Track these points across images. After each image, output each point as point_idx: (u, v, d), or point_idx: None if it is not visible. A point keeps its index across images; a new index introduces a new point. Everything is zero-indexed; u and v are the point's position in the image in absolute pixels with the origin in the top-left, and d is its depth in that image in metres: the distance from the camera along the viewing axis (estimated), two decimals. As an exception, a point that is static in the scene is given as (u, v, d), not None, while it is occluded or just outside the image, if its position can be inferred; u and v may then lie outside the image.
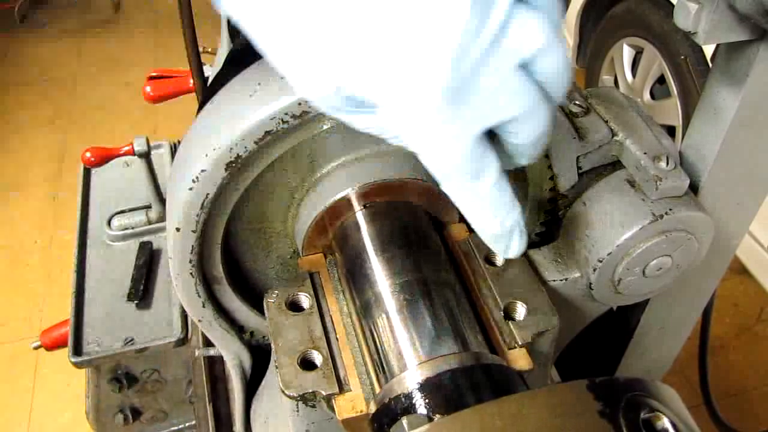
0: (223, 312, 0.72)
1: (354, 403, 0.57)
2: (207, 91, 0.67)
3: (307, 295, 0.66)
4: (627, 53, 2.73)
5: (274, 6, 0.42)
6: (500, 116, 0.48)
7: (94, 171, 1.45)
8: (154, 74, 1.45)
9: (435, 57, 0.43)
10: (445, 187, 0.51)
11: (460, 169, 0.51)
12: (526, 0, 0.44)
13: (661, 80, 2.48)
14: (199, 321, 0.70)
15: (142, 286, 1.23)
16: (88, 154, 1.27)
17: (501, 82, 0.46)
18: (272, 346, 0.62)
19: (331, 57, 0.44)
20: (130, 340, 1.16)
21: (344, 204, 0.66)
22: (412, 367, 0.55)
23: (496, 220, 0.52)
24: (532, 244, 0.73)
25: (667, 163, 0.64)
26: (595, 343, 0.90)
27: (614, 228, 0.64)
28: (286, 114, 0.56)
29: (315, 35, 0.43)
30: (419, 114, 0.46)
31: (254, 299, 0.72)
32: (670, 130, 2.42)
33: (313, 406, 0.61)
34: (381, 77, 0.44)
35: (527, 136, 0.51)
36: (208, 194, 0.60)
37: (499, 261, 0.68)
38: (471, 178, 0.50)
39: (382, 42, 0.42)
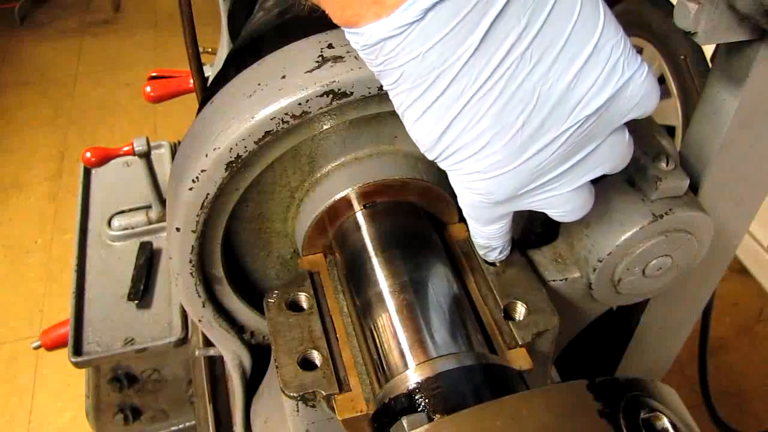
0: (223, 312, 0.72)
1: (354, 403, 0.57)
2: (207, 91, 0.67)
3: (307, 295, 0.66)
4: (627, 53, 2.71)
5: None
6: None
7: (94, 171, 1.45)
8: (154, 74, 1.45)
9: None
10: (463, 211, 0.58)
11: (481, 215, 0.58)
12: None
13: (661, 80, 2.48)
14: (199, 321, 0.70)
15: (142, 286, 1.23)
16: (88, 154, 1.27)
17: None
18: (272, 346, 0.62)
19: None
20: (130, 340, 1.16)
21: (344, 204, 0.66)
22: (412, 367, 0.55)
23: (485, 240, 0.63)
24: (532, 244, 0.73)
25: (667, 163, 0.64)
26: (595, 343, 0.90)
27: (614, 228, 0.64)
28: (286, 114, 0.56)
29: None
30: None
31: (254, 299, 0.72)
32: (670, 130, 2.42)
33: (313, 406, 0.61)
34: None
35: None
36: (208, 194, 0.60)
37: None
38: (487, 225, 0.59)
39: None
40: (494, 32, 0.42)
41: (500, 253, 0.64)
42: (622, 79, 0.46)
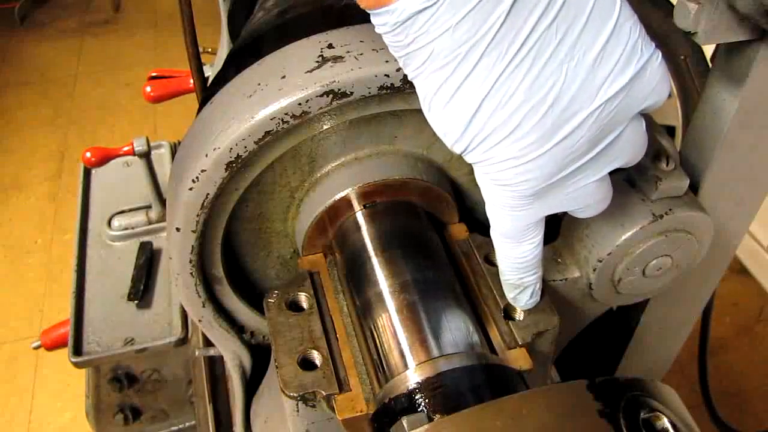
0: (223, 312, 0.72)
1: (354, 403, 0.57)
2: (207, 91, 0.67)
3: (307, 295, 0.66)
4: (627, 53, 2.71)
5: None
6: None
7: (94, 171, 1.45)
8: (154, 74, 1.45)
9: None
10: (492, 229, 0.57)
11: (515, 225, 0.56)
12: None
13: (661, 80, 2.48)
14: (199, 321, 0.70)
15: (142, 286, 1.23)
16: (88, 154, 1.27)
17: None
18: (272, 346, 0.62)
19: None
20: (130, 340, 1.16)
21: (344, 204, 0.66)
22: (412, 367, 0.55)
23: (517, 275, 0.60)
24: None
25: (667, 163, 0.64)
26: (595, 343, 0.90)
27: (614, 228, 0.64)
28: (286, 114, 0.56)
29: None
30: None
31: (254, 299, 0.72)
32: (670, 130, 2.42)
33: (313, 406, 0.61)
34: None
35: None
36: (208, 194, 0.60)
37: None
38: (517, 240, 0.57)
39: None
40: (521, 3, 0.43)
41: (531, 296, 0.61)
42: (642, 59, 0.47)
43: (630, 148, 0.53)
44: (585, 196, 0.54)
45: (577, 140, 0.48)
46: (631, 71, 0.47)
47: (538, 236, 0.57)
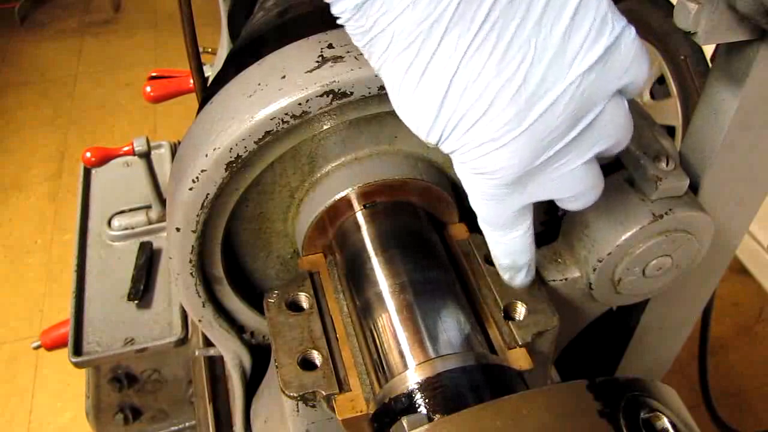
0: (223, 312, 0.72)
1: (354, 403, 0.57)
2: (207, 91, 0.67)
3: (307, 295, 0.66)
4: (627, 53, 2.71)
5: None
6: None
7: (94, 171, 1.45)
8: (154, 74, 1.45)
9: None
10: (479, 218, 0.57)
11: (500, 215, 0.55)
12: None
13: (661, 80, 2.48)
14: (199, 321, 0.71)
15: (142, 286, 1.23)
16: (88, 154, 1.27)
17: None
18: (272, 346, 0.62)
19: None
20: (130, 340, 1.16)
21: (344, 204, 0.67)
22: (412, 367, 0.55)
23: (510, 258, 0.60)
24: (532, 244, 0.73)
25: (667, 163, 0.64)
26: (595, 343, 0.90)
27: (614, 228, 0.64)
28: (287, 114, 0.56)
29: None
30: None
31: (254, 299, 0.72)
32: (670, 130, 2.42)
33: (313, 406, 0.61)
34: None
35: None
36: (208, 194, 0.60)
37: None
38: (505, 229, 0.56)
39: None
40: None
41: (526, 275, 0.61)
42: (614, 32, 0.46)
43: (613, 129, 0.51)
44: (572, 183, 0.53)
45: (555, 118, 0.47)
46: (603, 43, 0.46)
47: (526, 222, 0.56)
